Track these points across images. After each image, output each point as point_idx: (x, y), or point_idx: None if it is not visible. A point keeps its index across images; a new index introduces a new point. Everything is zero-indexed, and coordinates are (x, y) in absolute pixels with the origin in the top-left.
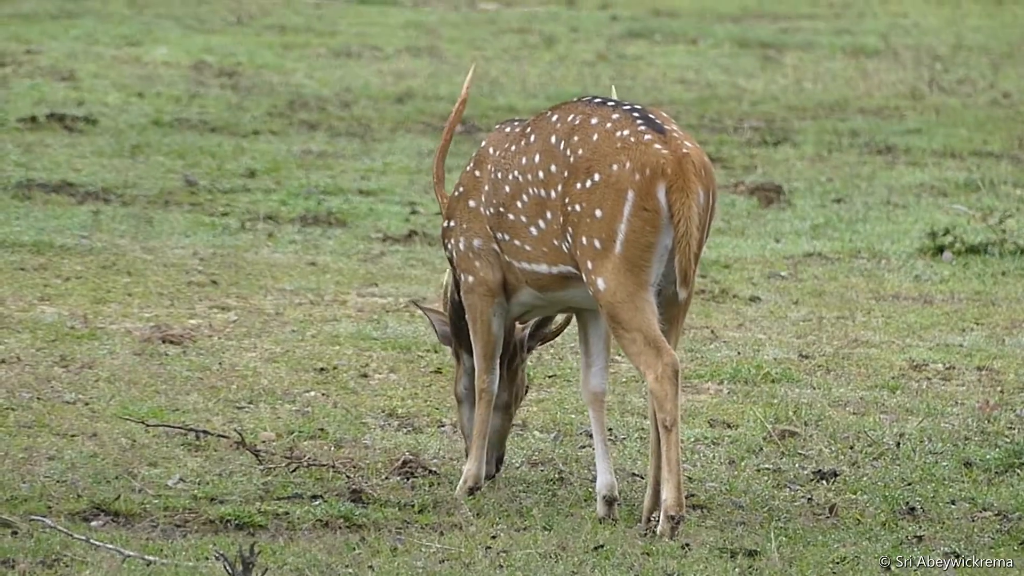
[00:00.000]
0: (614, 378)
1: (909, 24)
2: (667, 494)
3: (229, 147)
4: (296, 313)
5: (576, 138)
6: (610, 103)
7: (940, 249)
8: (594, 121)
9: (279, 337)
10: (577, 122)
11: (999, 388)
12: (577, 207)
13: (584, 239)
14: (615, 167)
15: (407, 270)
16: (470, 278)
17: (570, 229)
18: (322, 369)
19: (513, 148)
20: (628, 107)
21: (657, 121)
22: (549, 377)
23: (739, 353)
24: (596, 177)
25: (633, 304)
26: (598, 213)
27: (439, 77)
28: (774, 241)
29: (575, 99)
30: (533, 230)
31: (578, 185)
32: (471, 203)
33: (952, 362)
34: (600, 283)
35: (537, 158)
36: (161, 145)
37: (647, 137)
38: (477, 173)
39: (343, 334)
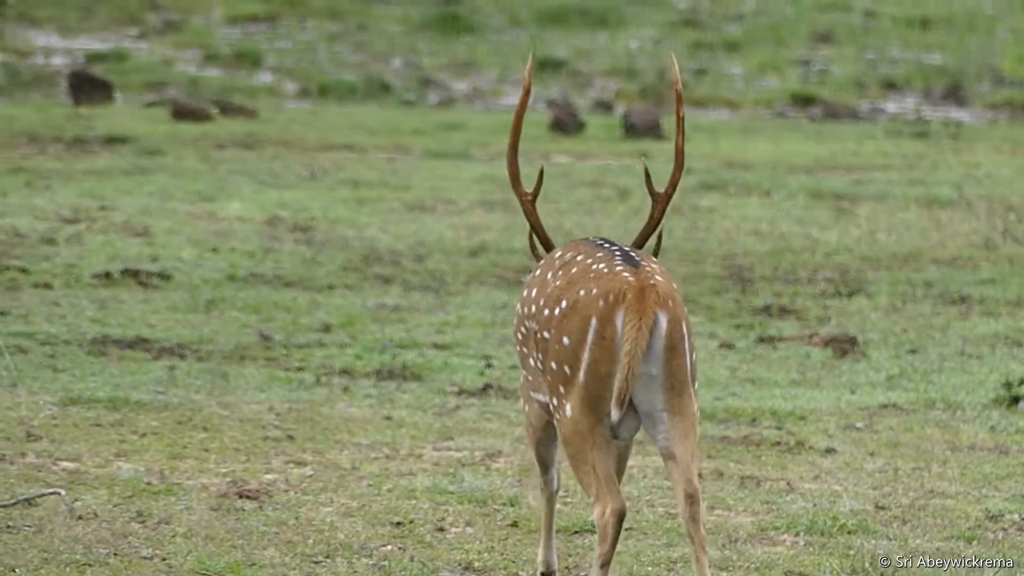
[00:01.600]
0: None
1: (982, 175)
2: None
3: (304, 302)
4: (372, 467)
5: (560, 272)
6: (604, 244)
7: (1015, 399)
8: (579, 257)
9: (355, 491)
10: (567, 258)
11: None
12: (546, 334)
13: (553, 364)
14: (582, 292)
15: (483, 424)
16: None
17: (540, 356)
18: (398, 523)
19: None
20: (617, 248)
21: (635, 258)
22: (626, 530)
23: (815, 504)
24: (563, 304)
25: (592, 438)
26: (565, 340)
27: (513, 230)
28: (849, 392)
29: (582, 239)
30: (531, 361)
31: (546, 312)
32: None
33: None
34: (565, 411)
35: (534, 292)
36: (235, 300)
37: (618, 267)
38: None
39: (419, 488)
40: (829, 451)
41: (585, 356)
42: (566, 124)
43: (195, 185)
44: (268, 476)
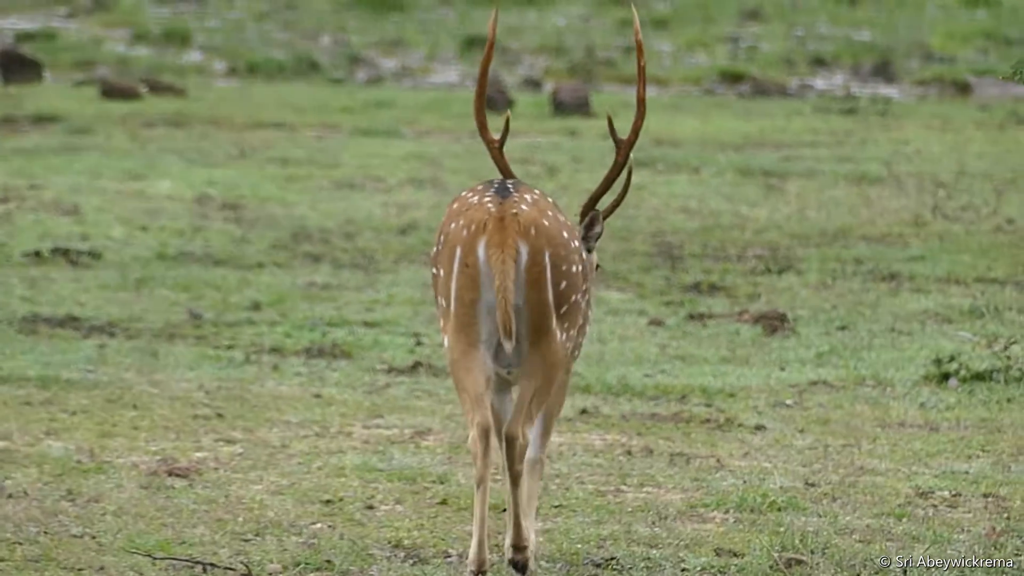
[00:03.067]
0: (620, 507)
1: (912, 151)
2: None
3: (233, 280)
4: (302, 445)
5: (452, 210)
6: (495, 181)
7: (945, 376)
8: (465, 193)
9: (285, 469)
10: (460, 197)
11: (1005, 515)
12: (434, 270)
13: (439, 299)
14: (453, 226)
15: (412, 401)
16: None
17: (434, 294)
18: (328, 501)
19: None
20: (499, 182)
21: (509, 189)
22: (554, 507)
23: (745, 482)
24: (441, 239)
25: (464, 362)
26: (441, 272)
27: (442, 208)
28: (779, 369)
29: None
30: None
31: (434, 250)
32: None
33: (958, 489)
34: (445, 341)
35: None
36: (165, 278)
37: (486, 199)
38: None
39: (349, 466)
40: (759, 428)
41: (453, 285)
42: (495, 101)
43: (124, 164)
44: (198, 454)
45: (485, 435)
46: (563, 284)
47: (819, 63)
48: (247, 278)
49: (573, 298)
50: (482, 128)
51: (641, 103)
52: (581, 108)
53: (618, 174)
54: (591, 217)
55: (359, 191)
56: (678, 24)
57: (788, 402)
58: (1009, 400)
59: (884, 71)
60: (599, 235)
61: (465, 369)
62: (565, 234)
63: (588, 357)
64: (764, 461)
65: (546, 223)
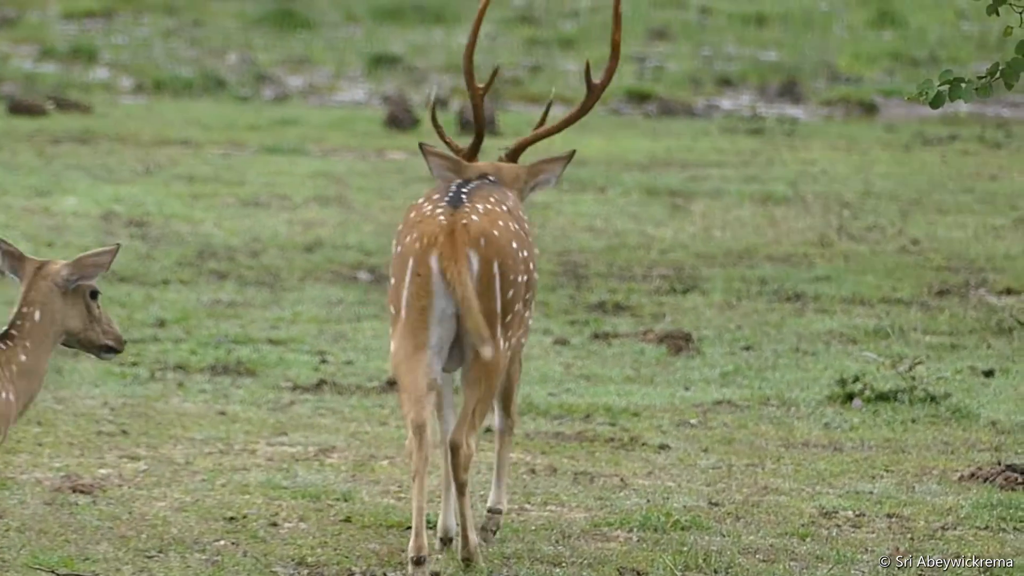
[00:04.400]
0: (523, 525)
1: (817, 172)
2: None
3: (138, 297)
4: (206, 462)
5: (409, 217)
6: (451, 187)
7: (850, 396)
8: (420, 201)
9: (188, 486)
10: (416, 204)
11: (909, 535)
12: (388, 273)
13: (391, 305)
14: (407, 238)
15: (316, 419)
16: None
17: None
18: (232, 518)
19: None
20: (455, 188)
21: (462, 198)
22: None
23: (648, 501)
24: (397, 248)
25: (408, 364)
26: (393, 280)
27: (348, 226)
28: (683, 389)
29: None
30: None
31: (392, 256)
32: None
33: (862, 509)
34: (392, 345)
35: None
36: None
37: (438, 211)
38: None
39: (253, 483)
40: (663, 447)
41: (405, 293)
42: (401, 120)
43: (30, 180)
44: (102, 471)
45: (420, 431)
46: (510, 293)
47: (726, 83)
48: (152, 295)
49: (516, 307)
50: (468, 76)
51: (616, 47)
52: (488, 126)
53: (582, 115)
54: (568, 156)
55: (265, 209)
56: (585, 43)
57: (692, 421)
58: (913, 420)
59: (790, 91)
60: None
61: (408, 371)
62: (515, 244)
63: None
64: (668, 480)
65: (496, 233)
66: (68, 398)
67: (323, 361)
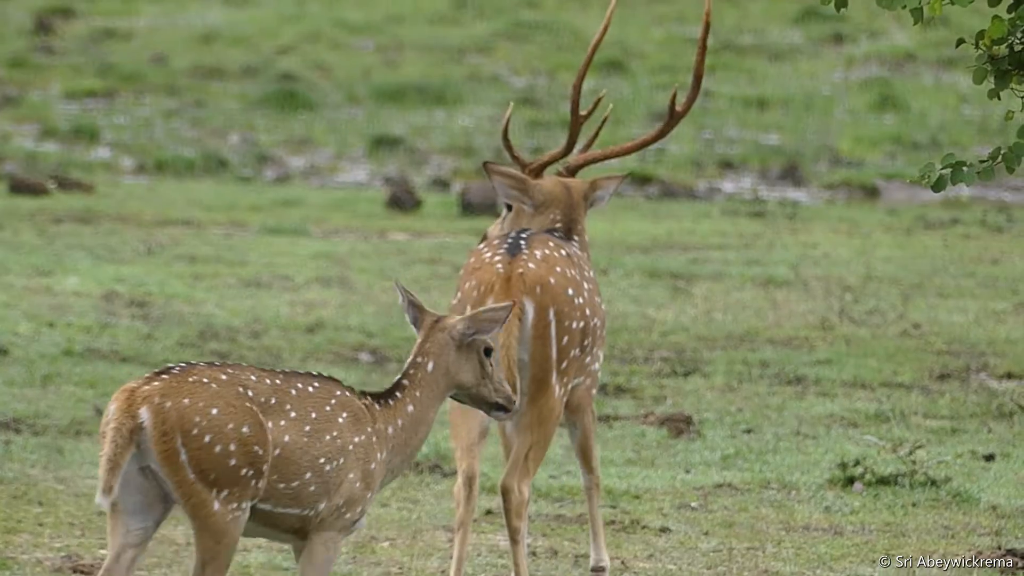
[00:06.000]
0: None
1: (819, 255)
2: None
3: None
4: None
5: (469, 262)
6: (511, 238)
7: (850, 480)
8: (481, 246)
9: (190, 568)
10: (477, 250)
11: None
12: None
13: None
14: (467, 285)
15: None
16: None
17: None
18: None
19: None
20: (515, 236)
21: (521, 245)
22: None
23: None
24: (458, 295)
25: (462, 412)
26: None
27: (349, 307)
28: (684, 472)
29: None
30: None
31: (453, 301)
32: None
33: None
34: None
35: None
36: (72, 375)
37: (496, 258)
38: None
39: (254, 564)
40: (664, 530)
41: None
42: (403, 201)
43: (32, 259)
44: (103, 551)
45: (469, 483)
46: (565, 339)
47: (727, 166)
48: None
49: (572, 352)
50: (574, 105)
51: (698, 79)
52: (489, 209)
53: (658, 139)
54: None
55: (266, 289)
56: (587, 126)
57: (693, 504)
58: (914, 505)
59: (792, 175)
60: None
61: (462, 418)
62: (571, 291)
63: (494, 458)
64: (669, 563)
65: (552, 281)
66: (69, 478)
67: None
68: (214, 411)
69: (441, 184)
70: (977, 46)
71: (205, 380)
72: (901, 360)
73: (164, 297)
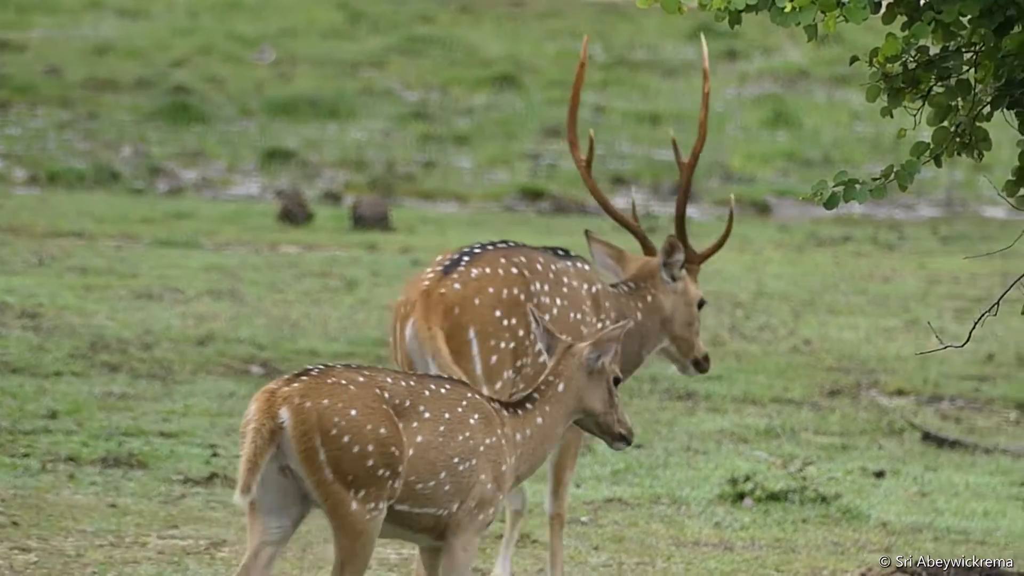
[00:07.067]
0: None
1: (710, 271)
2: None
3: (30, 388)
4: (96, 555)
5: None
6: (455, 256)
7: (740, 496)
8: (432, 262)
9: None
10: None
11: None
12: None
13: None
14: (399, 299)
15: (208, 512)
16: None
17: None
18: None
19: None
20: (464, 252)
21: (462, 262)
22: None
23: None
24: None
25: None
26: (391, 340)
27: (240, 319)
28: (575, 486)
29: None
30: None
31: None
32: None
33: None
34: None
35: None
36: None
37: (429, 274)
38: None
39: None
40: None
41: (398, 354)
42: (295, 214)
43: None
44: None
45: None
46: (493, 359)
47: (619, 181)
48: (44, 386)
49: (505, 374)
50: (572, 146)
51: (702, 127)
52: (381, 222)
53: (685, 198)
54: (668, 244)
55: (157, 301)
56: (479, 141)
57: (583, 519)
58: (804, 521)
59: None
60: (680, 262)
61: None
62: (499, 312)
63: None
64: None
65: (477, 301)
66: None
67: (214, 454)
68: (353, 412)
69: (333, 197)
70: (871, 64)
71: (343, 382)
72: (792, 376)
73: (55, 308)
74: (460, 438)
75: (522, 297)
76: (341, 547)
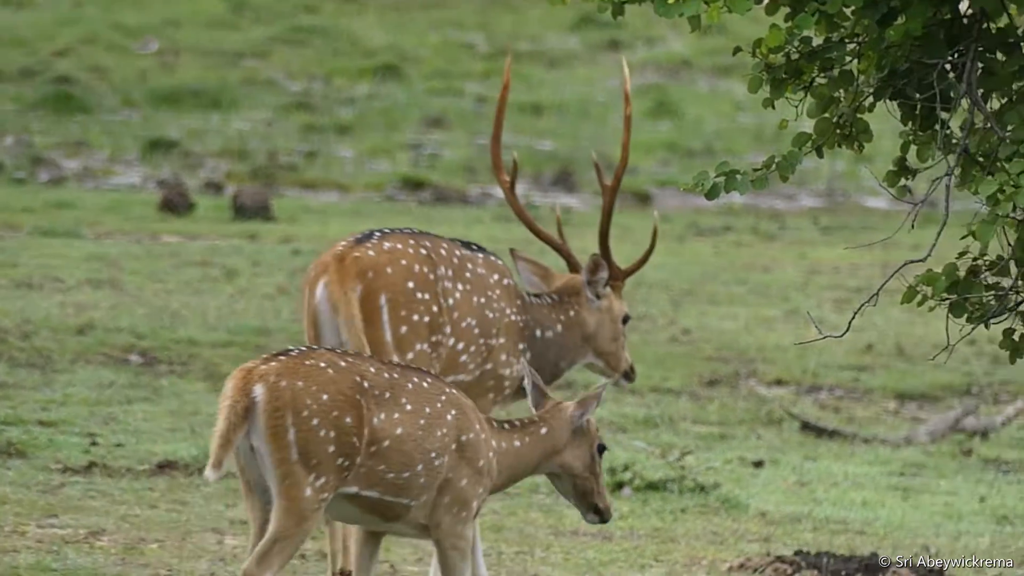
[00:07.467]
0: None
1: None
2: None
3: None
4: None
5: None
6: (370, 230)
7: (619, 485)
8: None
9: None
10: None
11: None
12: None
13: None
14: (310, 267)
15: (87, 501)
16: None
17: None
18: None
19: None
20: (374, 230)
21: (374, 236)
22: None
23: None
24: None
25: None
26: (297, 311)
27: (120, 309)
28: None
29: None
30: None
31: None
32: None
33: None
34: None
35: None
36: None
37: (341, 243)
38: None
39: (23, 565)
40: None
41: (305, 323)
42: (176, 204)
43: None
44: None
45: None
46: (403, 328)
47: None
48: None
49: (418, 346)
50: (496, 167)
51: (624, 149)
52: (262, 212)
53: (608, 218)
54: (592, 262)
55: (37, 291)
56: (360, 130)
57: None
58: (683, 510)
59: (565, 181)
60: (604, 280)
61: None
62: (411, 284)
63: None
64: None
65: (390, 270)
66: None
67: (93, 443)
68: (324, 396)
69: (215, 187)
70: (754, 54)
71: (323, 364)
72: (671, 366)
73: None
74: (439, 433)
75: (431, 277)
76: (282, 527)
